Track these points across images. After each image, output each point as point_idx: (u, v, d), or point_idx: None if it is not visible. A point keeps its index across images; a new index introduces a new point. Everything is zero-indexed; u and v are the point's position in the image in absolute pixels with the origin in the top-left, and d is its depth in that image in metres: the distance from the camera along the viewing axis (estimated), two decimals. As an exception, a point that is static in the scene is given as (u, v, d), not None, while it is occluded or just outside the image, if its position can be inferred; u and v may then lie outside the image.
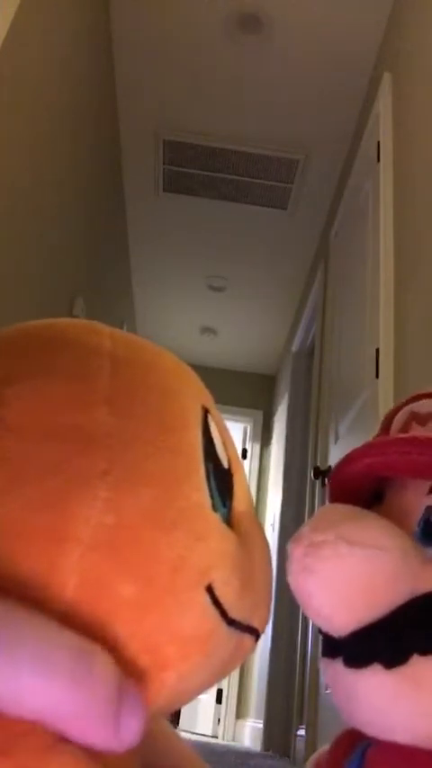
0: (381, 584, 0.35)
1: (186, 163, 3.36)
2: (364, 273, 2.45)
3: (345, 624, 0.35)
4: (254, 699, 4.18)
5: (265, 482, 4.94)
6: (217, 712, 4.51)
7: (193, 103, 3.04)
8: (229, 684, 4.49)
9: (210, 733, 4.49)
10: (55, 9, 2.04)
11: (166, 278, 4.39)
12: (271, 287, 4.34)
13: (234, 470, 0.34)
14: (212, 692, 4.61)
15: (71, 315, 2.77)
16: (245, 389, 5.34)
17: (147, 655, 0.26)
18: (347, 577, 0.35)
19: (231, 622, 0.29)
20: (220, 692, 4.53)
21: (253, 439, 5.16)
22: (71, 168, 2.50)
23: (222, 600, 0.28)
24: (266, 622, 0.34)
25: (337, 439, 2.62)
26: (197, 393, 0.34)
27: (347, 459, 0.45)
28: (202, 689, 0.30)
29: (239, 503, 0.33)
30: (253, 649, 0.33)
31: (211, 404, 0.35)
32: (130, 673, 0.25)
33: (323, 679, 0.41)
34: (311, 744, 2.42)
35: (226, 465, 0.33)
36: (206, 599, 0.27)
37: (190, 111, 3.08)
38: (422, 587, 0.35)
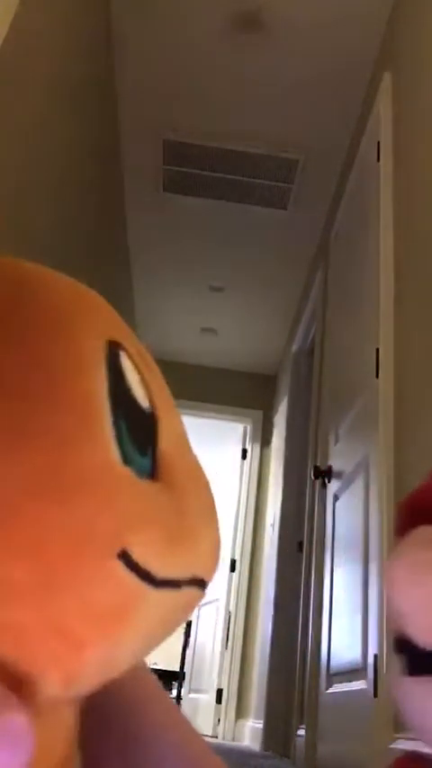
0: None
1: (186, 163, 3.36)
2: (364, 273, 2.45)
3: None
4: (254, 699, 4.18)
5: (265, 482, 4.94)
6: (217, 712, 4.51)
7: (194, 103, 3.04)
8: (229, 684, 4.50)
9: (210, 733, 4.49)
10: (55, 9, 2.04)
11: (166, 278, 4.39)
12: (271, 287, 4.34)
13: (160, 411, 0.30)
14: (212, 692, 4.61)
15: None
16: (245, 389, 5.34)
17: (58, 637, 0.23)
18: None
19: (161, 583, 0.26)
20: (220, 692, 4.53)
21: (253, 439, 5.16)
22: (71, 168, 2.50)
23: (143, 562, 0.25)
24: (215, 567, 0.31)
25: (337, 439, 2.62)
26: (101, 326, 0.28)
27: (426, 487, 0.44)
28: (143, 653, 0.28)
29: (167, 445, 0.29)
30: (200, 599, 0.30)
31: (124, 337, 0.30)
32: (43, 657, 0.24)
33: (400, 702, 0.39)
34: (311, 744, 2.42)
35: (146, 406, 0.29)
36: (121, 567, 0.25)
37: (190, 111, 3.08)
38: None
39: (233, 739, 4.38)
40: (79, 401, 0.25)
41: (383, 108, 2.37)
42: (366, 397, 2.19)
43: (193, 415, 5.29)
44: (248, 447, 5.16)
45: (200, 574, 0.29)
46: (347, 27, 2.61)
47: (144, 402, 0.29)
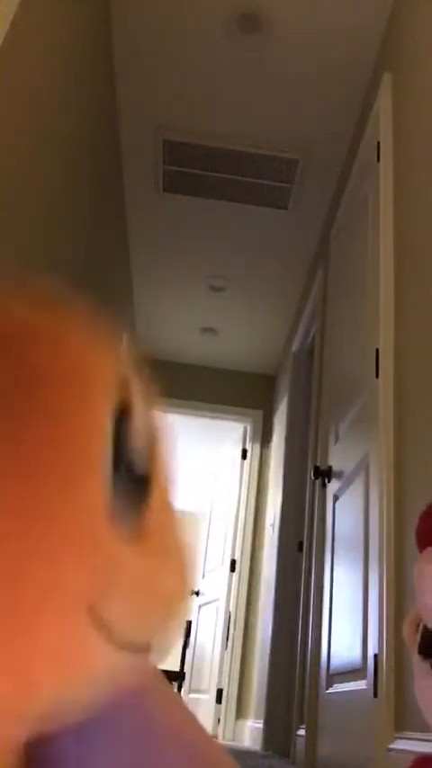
0: None
1: (186, 163, 3.36)
2: (364, 273, 2.45)
3: None
4: (254, 699, 4.18)
5: (265, 482, 4.94)
6: (217, 712, 4.51)
7: (193, 103, 3.04)
8: (229, 684, 4.50)
9: (210, 733, 4.49)
10: (55, 9, 2.04)
11: (166, 278, 4.39)
12: (271, 287, 4.34)
13: (154, 474, 0.30)
14: (212, 692, 4.61)
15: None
16: (245, 389, 5.34)
17: (11, 674, 0.24)
18: None
19: (123, 645, 0.27)
20: (220, 692, 4.53)
21: (253, 439, 5.16)
22: (71, 168, 2.50)
23: (110, 622, 0.26)
24: (175, 638, 0.32)
25: (337, 439, 2.62)
26: (113, 386, 0.29)
27: None
28: (88, 703, 0.29)
29: (157, 510, 0.30)
30: (149, 665, 0.31)
31: (133, 388, 0.30)
32: None
33: (423, 704, 0.41)
34: (311, 744, 2.42)
35: (143, 468, 0.30)
36: (88, 620, 0.25)
37: (190, 111, 3.08)
38: None
39: (233, 739, 4.38)
40: (77, 464, 0.26)
41: (383, 108, 2.37)
42: (366, 397, 2.19)
43: (193, 415, 5.30)
44: (248, 447, 5.16)
45: (158, 643, 0.30)
46: (347, 27, 2.61)
47: (142, 464, 0.29)
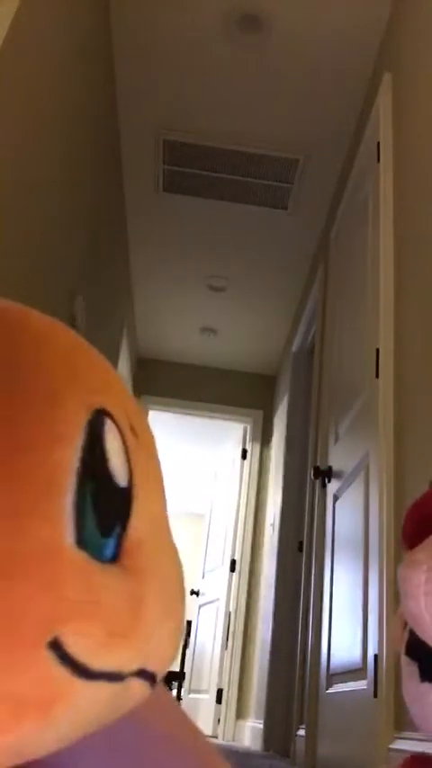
0: None
1: (186, 163, 3.36)
2: (364, 273, 2.45)
3: None
4: (254, 699, 4.18)
5: (265, 482, 4.94)
6: (217, 712, 4.51)
7: (193, 103, 3.04)
8: (230, 684, 4.50)
9: (210, 733, 4.49)
10: (55, 9, 2.04)
11: (166, 278, 4.39)
12: (271, 287, 4.34)
13: (139, 488, 0.28)
14: (212, 692, 4.61)
15: (71, 313, 2.78)
16: (245, 389, 5.34)
17: None
18: None
19: (97, 675, 0.25)
20: (220, 692, 4.53)
21: (253, 439, 5.16)
22: (71, 168, 2.50)
23: (77, 654, 0.24)
24: (169, 659, 0.28)
25: (337, 439, 2.62)
26: (90, 391, 0.27)
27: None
28: (77, 736, 0.26)
29: (140, 525, 0.28)
30: (147, 691, 0.28)
31: (116, 401, 0.28)
32: None
33: (412, 707, 0.40)
34: (311, 744, 2.42)
35: (123, 482, 0.27)
36: (50, 657, 0.23)
37: (190, 111, 3.08)
38: None
39: (233, 739, 4.38)
40: (41, 474, 0.24)
41: (383, 108, 2.37)
42: (366, 397, 2.19)
43: (193, 415, 5.30)
44: (248, 447, 5.16)
45: (149, 667, 0.27)
46: (347, 27, 2.61)
47: (121, 477, 0.27)
